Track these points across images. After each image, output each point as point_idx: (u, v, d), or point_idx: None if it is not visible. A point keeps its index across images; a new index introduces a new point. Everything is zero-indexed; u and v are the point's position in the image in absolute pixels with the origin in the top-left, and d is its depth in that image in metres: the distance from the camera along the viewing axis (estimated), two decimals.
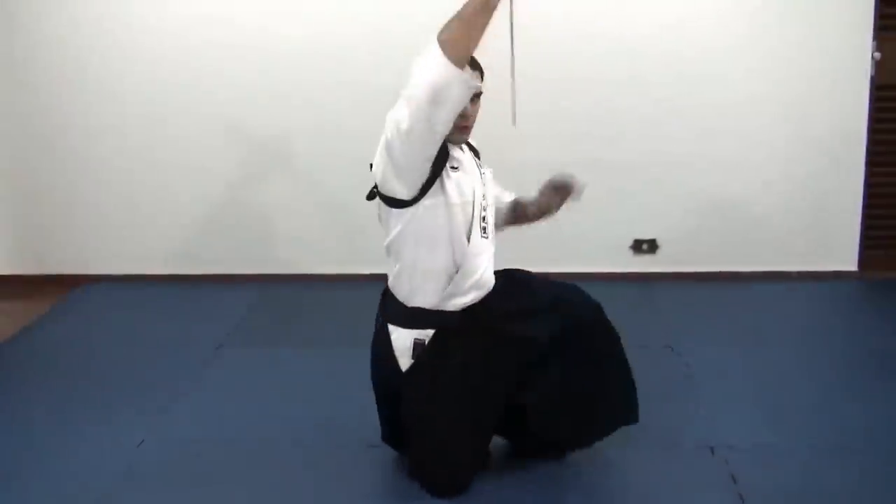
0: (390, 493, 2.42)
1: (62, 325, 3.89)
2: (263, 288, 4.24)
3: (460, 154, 2.35)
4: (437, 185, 2.22)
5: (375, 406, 2.52)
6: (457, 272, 2.27)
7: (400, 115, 2.09)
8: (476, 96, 2.27)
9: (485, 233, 2.34)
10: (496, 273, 2.42)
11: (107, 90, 4.20)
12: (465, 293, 2.30)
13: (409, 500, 2.35)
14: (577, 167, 4.10)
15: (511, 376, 2.34)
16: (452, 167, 2.27)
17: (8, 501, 2.43)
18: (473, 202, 2.30)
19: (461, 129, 2.28)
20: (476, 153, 2.51)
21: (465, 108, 2.20)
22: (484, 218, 2.34)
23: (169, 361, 3.39)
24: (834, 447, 2.60)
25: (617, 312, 3.66)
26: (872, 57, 3.93)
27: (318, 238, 4.30)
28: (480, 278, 2.32)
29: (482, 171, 2.43)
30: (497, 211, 2.55)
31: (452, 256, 2.27)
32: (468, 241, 2.27)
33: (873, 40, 3.91)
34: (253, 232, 4.34)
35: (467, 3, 2.01)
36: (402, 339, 2.31)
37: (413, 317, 2.30)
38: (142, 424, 2.85)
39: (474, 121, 2.34)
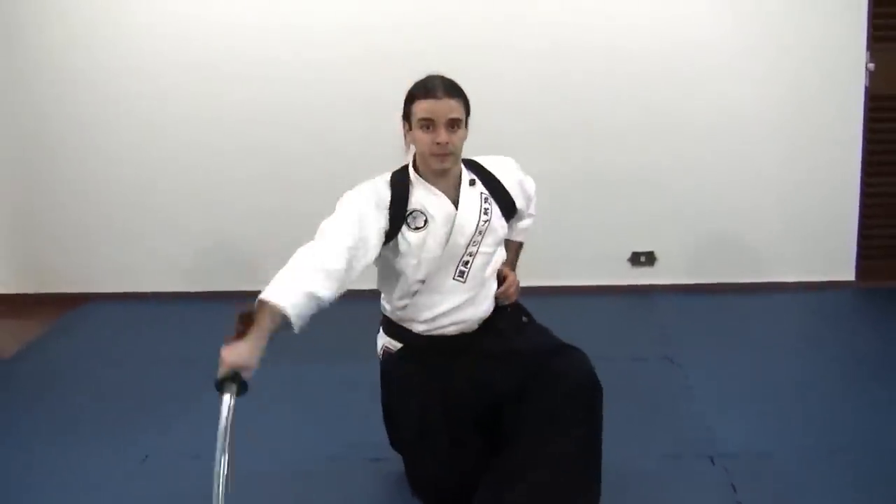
0: None
1: (64, 343, 3.91)
2: None
3: (436, 205, 2.20)
4: (392, 243, 2.19)
5: (376, 419, 2.55)
6: (407, 305, 2.26)
7: None
8: (455, 122, 2.11)
9: (461, 276, 2.24)
10: (500, 313, 2.34)
11: (110, 111, 4.23)
12: (423, 322, 2.26)
13: None
14: (574, 179, 4.18)
15: (466, 410, 2.21)
16: (416, 227, 2.19)
17: None
18: (442, 255, 2.21)
19: (438, 156, 2.12)
20: (495, 186, 2.28)
21: (440, 136, 2.09)
22: (466, 263, 2.24)
23: (171, 378, 3.40)
24: (832, 455, 2.61)
25: (615, 325, 3.68)
26: (866, 67, 3.96)
27: None
28: (444, 313, 2.25)
29: (484, 216, 2.23)
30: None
31: (403, 290, 2.25)
32: (430, 279, 2.22)
33: (867, 50, 3.94)
34: (253, 249, 4.35)
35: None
36: (379, 342, 2.39)
37: (387, 324, 2.37)
38: (145, 441, 2.86)
39: (455, 147, 2.13)
